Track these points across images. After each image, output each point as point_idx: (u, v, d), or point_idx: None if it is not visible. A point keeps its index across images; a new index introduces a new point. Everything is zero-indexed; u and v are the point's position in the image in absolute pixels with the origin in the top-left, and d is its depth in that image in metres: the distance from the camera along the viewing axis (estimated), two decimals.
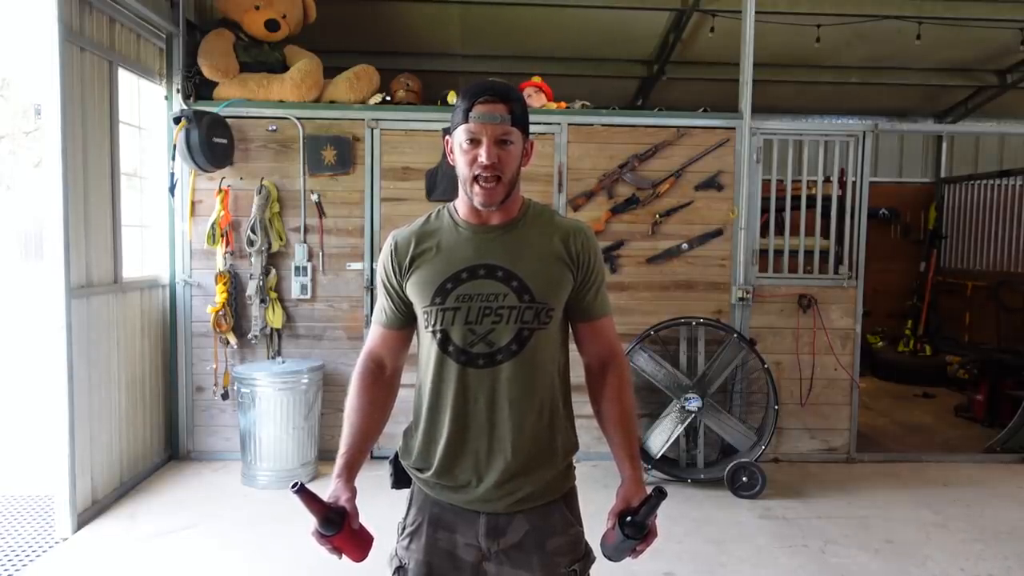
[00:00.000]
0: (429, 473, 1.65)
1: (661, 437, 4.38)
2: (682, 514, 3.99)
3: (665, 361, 4.44)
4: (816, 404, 4.90)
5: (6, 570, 3.22)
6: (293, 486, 1.46)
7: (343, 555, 1.57)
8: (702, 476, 4.43)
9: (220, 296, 4.58)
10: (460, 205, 1.66)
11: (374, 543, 1.61)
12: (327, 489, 1.57)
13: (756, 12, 4.74)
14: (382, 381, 1.71)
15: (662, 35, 6.09)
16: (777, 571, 3.39)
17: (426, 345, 1.65)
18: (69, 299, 3.56)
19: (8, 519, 3.80)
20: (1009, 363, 5.81)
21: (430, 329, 1.62)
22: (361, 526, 1.58)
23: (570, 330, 1.73)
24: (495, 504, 1.61)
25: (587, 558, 1.69)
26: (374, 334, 1.74)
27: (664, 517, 4.33)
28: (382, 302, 1.72)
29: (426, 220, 1.70)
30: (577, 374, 1.69)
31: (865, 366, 5.96)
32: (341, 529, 1.52)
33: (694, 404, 4.33)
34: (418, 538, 1.65)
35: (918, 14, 5.69)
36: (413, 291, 1.64)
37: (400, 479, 1.73)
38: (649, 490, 1.56)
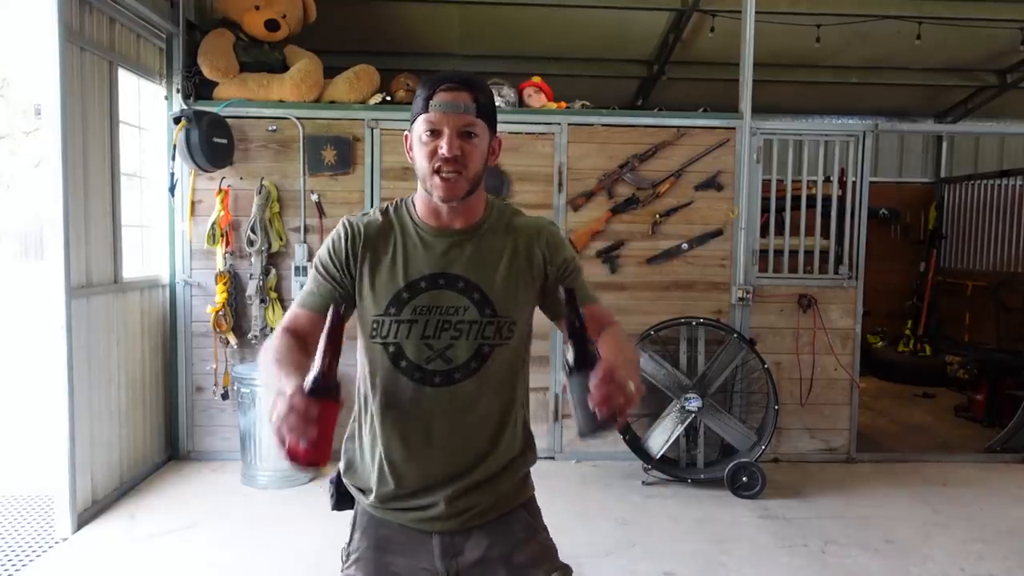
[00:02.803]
0: (374, 496, 1.52)
1: (661, 437, 4.37)
2: (682, 514, 3.99)
3: (665, 361, 4.44)
4: (816, 404, 4.90)
5: (6, 570, 3.21)
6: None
7: (307, 437, 1.19)
8: (702, 476, 4.43)
9: (220, 296, 4.58)
10: (419, 204, 1.52)
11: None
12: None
13: (756, 12, 4.74)
14: (304, 352, 1.42)
15: (662, 35, 6.09)
16: (777, 571, 3.39)
17: (375, 357, 1.50)
18: (69, 299, 3.56)
19: (8, 519, 3.79)
20: (1009, 363, 5.80)
21: (380, 341, 1.48)
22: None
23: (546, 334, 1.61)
24: (448, 523, 1.49)
25: (565, 569, 1.56)
26: (297, 316, 1.50)
27: (664, 517, 4.33)
28: (313, 287, 1.51)
29: (383, 213, 1.54)
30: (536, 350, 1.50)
31: (865, 366, 5.95)
32: (336, 400, 1.24)
33: (694, 404, 4.33)
34: (365, 565, 1.51)
35: (918, 14, 5.70)
36: (364, 293, 1.49)
37: (343, 500, 1.59)
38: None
